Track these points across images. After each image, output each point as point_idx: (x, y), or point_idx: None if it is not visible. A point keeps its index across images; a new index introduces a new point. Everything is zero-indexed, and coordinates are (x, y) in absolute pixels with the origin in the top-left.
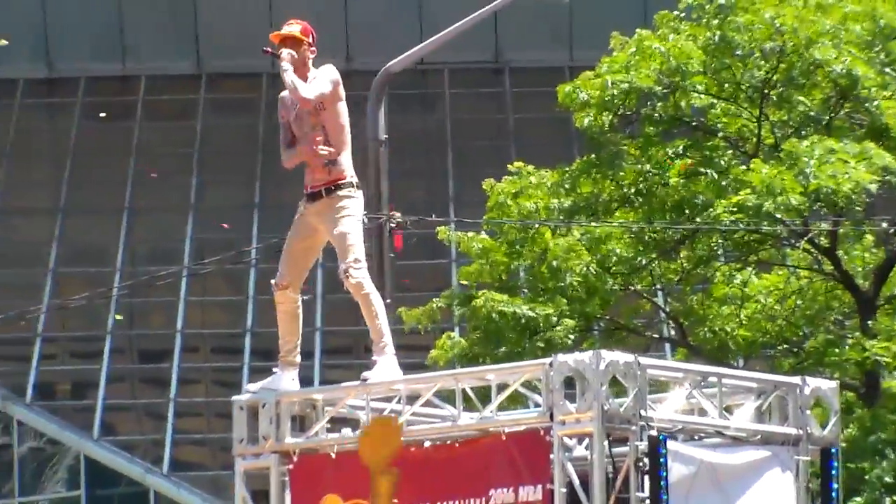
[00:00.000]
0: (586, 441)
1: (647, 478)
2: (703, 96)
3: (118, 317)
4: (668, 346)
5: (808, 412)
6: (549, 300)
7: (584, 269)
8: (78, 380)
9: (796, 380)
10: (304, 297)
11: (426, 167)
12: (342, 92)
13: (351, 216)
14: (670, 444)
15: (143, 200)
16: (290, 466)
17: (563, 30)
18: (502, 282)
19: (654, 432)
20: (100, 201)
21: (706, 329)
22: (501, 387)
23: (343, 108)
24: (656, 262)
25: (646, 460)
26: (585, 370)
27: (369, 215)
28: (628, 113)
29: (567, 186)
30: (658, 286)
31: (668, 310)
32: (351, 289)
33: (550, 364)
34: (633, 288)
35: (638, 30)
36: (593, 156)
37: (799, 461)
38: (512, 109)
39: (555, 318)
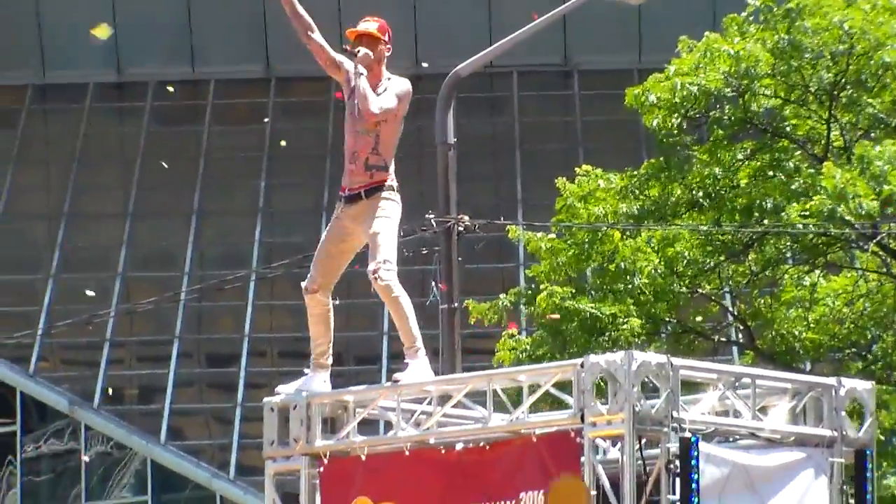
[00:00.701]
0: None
1: (678, 480)
2: (771, 99)
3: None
4: (735, 349)
5: (843, 413)
6: (616, 301)
7: (652, 271)
8: (145, 384)
9: (831, 381)
10: (369, 301)
11: (494, 170)
12: (406, 107)
13: (388, 218)
14: (702, 446)
15: (212, 204)
16: (321, 469)
17: (631, 32)
18: (570, 282)
19: (686, 434)
20: (169, 205)
21: (774, 332)
22: (533, 388)
23: (401, 123)
24: (724, 265)
25: (677, 462)
26: (617, 371)
27: (438, 219)
28: (697, 115)
29: (636, 190)
30: (726, 289)
31: (735, 313)
32: (379, 290)
33: (582, 365)
34: (700, 290)
35: (707, 33)
36: (662, 159)
37: (833, 463)
38: (580, 112)
39: (621, 318)
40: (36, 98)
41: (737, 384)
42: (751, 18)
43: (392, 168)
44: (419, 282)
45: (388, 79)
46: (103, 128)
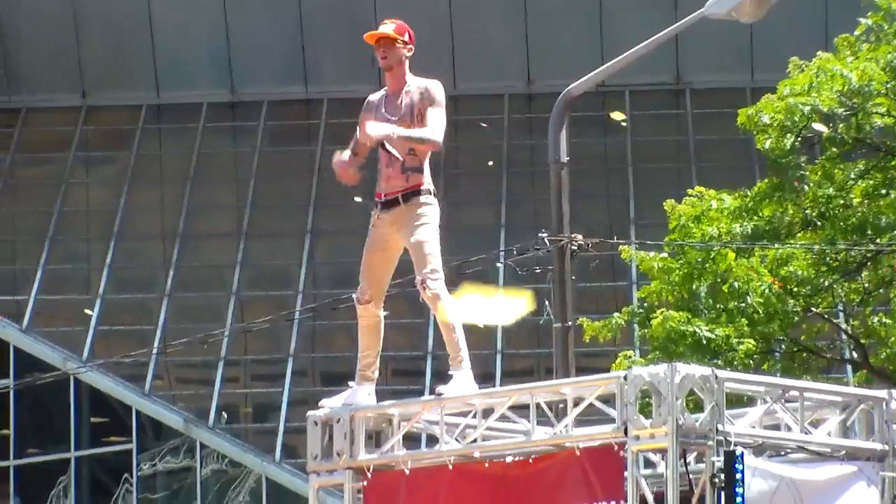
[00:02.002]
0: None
1: (723, 494)
2: (884, 117)
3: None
4: (848, 367)
5: (895, 427)
6: (729, 321)
7: (766, 290)
8: (260, 402)
9: (882, 393)
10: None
11: (607, 189)
12: (444, 104)
13: (429, 224)
14: (749, 460)
15: (325, 223)
16: (365, 483)
17: (744, 51)
18: (682, 302)
19: (731, 447)
20: (282, 224)
21: (888, 350)
22: (577, 401)
23: None
24: (838, 284)
25: (722, 476)
26: (660, 384)
27: (551, 237)
28: (809, 135)
29: (749, 210)
30: (839, 307)
31: (849, 331)
32: (427, 300)
33: (625, 378)
34: (814, 309)
35: (819, 52)
36: (775, 179)
37: (885, 477)
38: (693, 131)
39: (735, 339)
40: (150, 118)
41: (785, 397)
42: (863, 37)
43: (428, 171)
44: (533, 300)
45: (414, 83)
46: (217, 147)
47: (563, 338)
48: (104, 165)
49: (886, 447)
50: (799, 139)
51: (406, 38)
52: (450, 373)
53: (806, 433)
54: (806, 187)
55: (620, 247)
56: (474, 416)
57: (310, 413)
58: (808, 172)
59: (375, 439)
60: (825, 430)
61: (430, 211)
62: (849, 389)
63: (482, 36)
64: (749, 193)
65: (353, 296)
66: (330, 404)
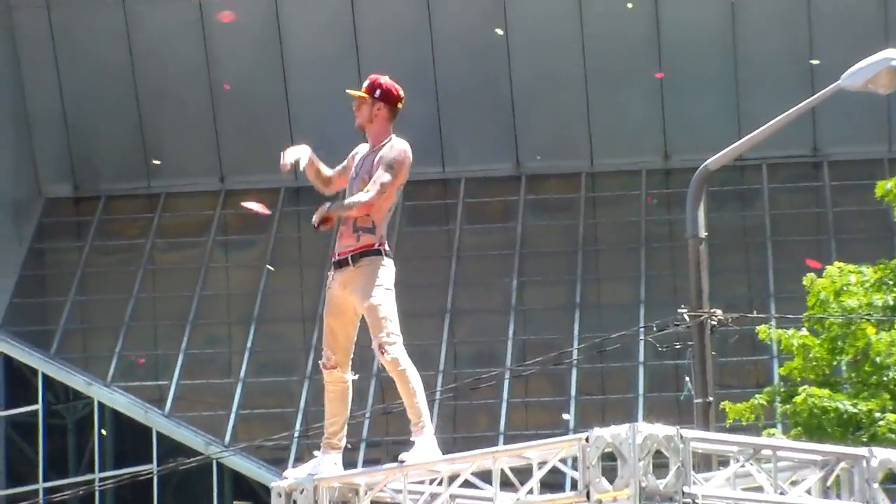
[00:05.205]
0: None
1: None
2: None
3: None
4: None
5: (876, 485)
6: (871, 396)
7: None
8: None
9: (862, 451)
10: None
11: (746, 263)
12: (405, 175)
13: (381, 286)
14: None
15: (465, 302)
16: None
17: (881, 122)
18: (824, 377)
19: None
20: (422, 303)
21: None
22: (542, 464)
23: (399, 189)
24: None
25: None
26: (622, 445)
27: (690, 313)
28: None
29: (889, 281)
30: None
31: None
32: (386, 365)
33: (587, 439)
34: None
35: None
36: None
37: None
38: (831, 203)
39: (878, 413)
40: (289, 200)
41: (757, 456)
42: None
43: (383, 232)
44: (672, 376)
45: (389, 143)
46: None
47: (703, 413)
48: (243, 249)
49: None
50: None
51: (377, 94)
52: (412, 439)
53: (781, 493)
54: None
55: (758, 327)
56: (439, 483)
57: (273, 484)
58: None
59: None
60: (802, 489)
61: (382, 272)
62: (827, 447)
63: (619, 112)
64: (889, 265)
65: (320, 362)
66: (294, 475)
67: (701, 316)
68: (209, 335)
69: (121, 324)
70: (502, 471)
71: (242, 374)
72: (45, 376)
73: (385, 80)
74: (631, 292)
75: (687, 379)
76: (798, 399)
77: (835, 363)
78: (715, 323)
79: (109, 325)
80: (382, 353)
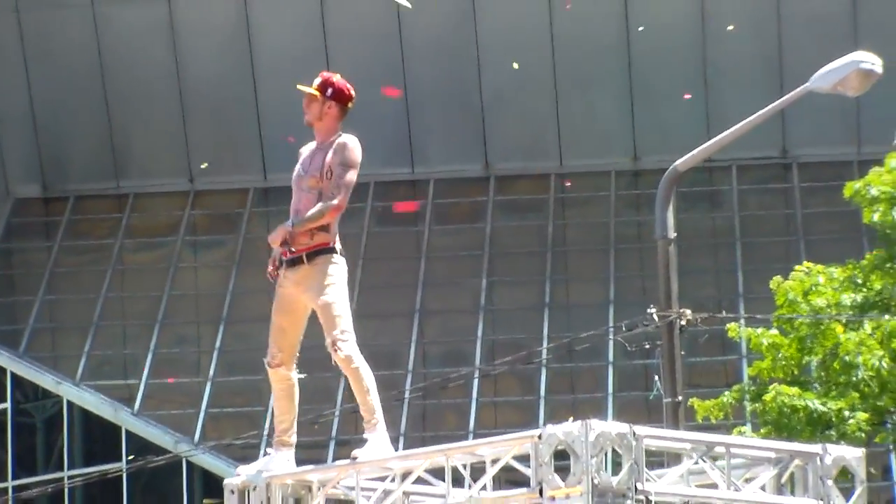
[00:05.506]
0: None
1: None
2: None
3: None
4: None
5: (830, 483)
6: (840, 395)
7: (877, 363)
8: None
9: (816, 448)
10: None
11: (715, 264)
12: (358, 166)
13: (334, 284)
14: None
15: (434, 302)
16: None
17: (850, 124)
18: (793, 377)
19: None
20: (391, 304)
21: None
22: (495, 461)
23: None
24: None
25: None
26: (575, 442)
27: (659, 313)
28: None
29: (859, 281)
30: None
31: None
32: (339, 362)
33: (539, 437)
34: None
35: None
36: (885, 251)
37: None
38: (800, 204)
39: (847, 412)
40: (258, 201)
41: (711, 454)
42: None
43: (335, 230)
44: (642, 376)
45: (337, 139)
46: None
47: (672, 413)
48: (212, 249)
49: (822, 503)
50: None
51: (329, 93)
52: (364, 436)
53: (735, 490)
54: None
55: (728, 325)
56: (392, 480)
57: (227, 481)
58: None
59: None
60: (756, 486)
61: (335, 270)
62: (782, 445)
63: (588, 113)
64: (858, 265)
65: (264, 360)
66: (246, 472)
67: (670, 316)
68: (178, 334)
69: (90, 323)
70: (459, 468)
71: (211, 373)
72: (14, 375)
73: (337, 78)
74: (600, 292)
75: (656, 378)
76: (767, 397)
77: (804, 362)
78: (683, 323)
79: (78, 325)
80: (336, 351)
